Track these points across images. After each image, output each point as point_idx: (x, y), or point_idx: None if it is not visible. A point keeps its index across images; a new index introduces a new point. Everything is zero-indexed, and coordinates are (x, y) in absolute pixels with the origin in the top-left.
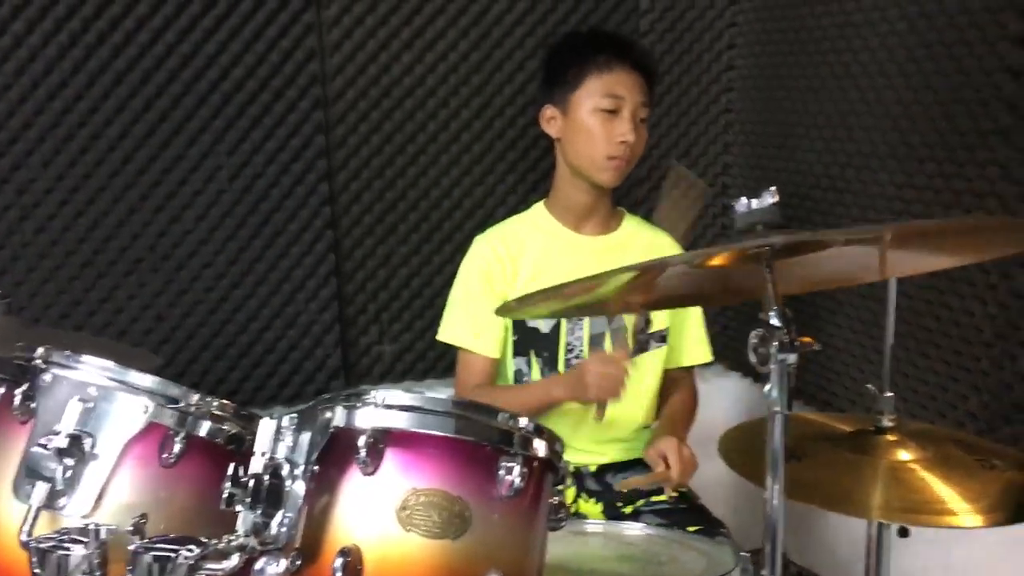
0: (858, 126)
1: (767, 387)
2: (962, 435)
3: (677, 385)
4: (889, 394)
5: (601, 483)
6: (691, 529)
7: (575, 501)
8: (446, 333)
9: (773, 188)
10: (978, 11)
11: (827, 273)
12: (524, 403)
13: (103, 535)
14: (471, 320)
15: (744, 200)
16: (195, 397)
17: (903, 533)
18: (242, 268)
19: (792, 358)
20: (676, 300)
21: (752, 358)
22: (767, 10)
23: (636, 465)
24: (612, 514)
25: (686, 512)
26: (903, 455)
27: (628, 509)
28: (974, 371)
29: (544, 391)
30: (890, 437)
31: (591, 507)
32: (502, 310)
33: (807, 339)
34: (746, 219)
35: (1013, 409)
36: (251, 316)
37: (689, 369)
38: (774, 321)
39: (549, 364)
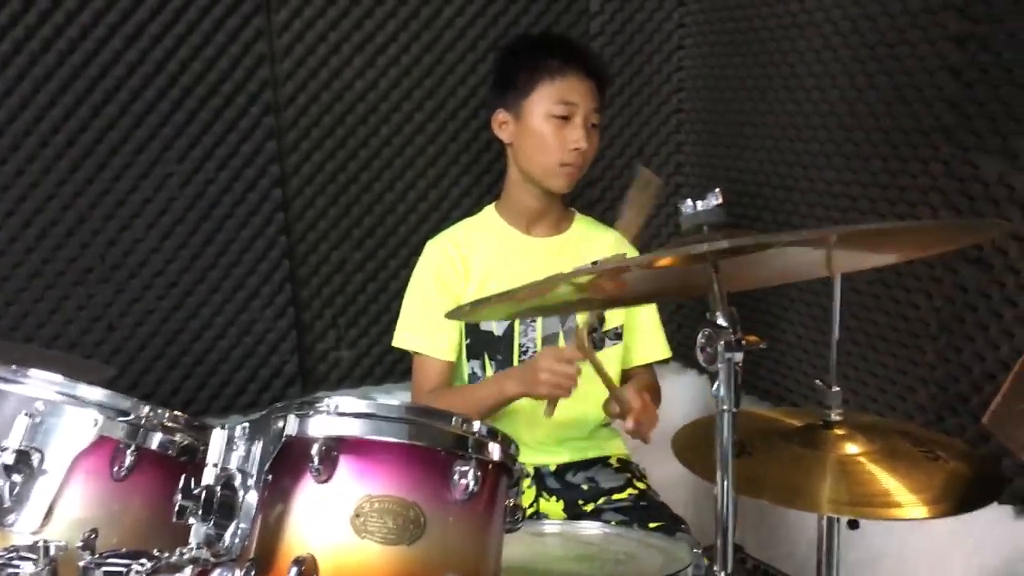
0: (805, 125)
1: (715, 386)
2: (909, 427)
3: (638, 380)
4: (836, 389)
5: (561, 481)
6: (651, 526)
7: (536, 501)
8: (401, 339)
9: (717, 190)
10: (919, 12)
11: (774, 271)
12: (478, 400)
13: (52, 552)
14: (425, 324)
15: (689, 202)
16: (146, 409)
17: (853, 525)
18: (195, 276)
19: (739, 357)
20: (629, 299)
21: (700, 358)
22: (714, 11)
23: (596, 463)
24: (573, 512)
25: (646, 509)
26: (851, 448)
27: (589, 507)
28: (921, 364)
29: (497, 387)
30: (838, 431)
31: (552, 506)
32: (452, 314)
33: (753, 338)
34: (692, 220)
35: (959, 400)
36: (205, 324)
37: (649, 366)
38: (720, 321)
39: (503, 367)
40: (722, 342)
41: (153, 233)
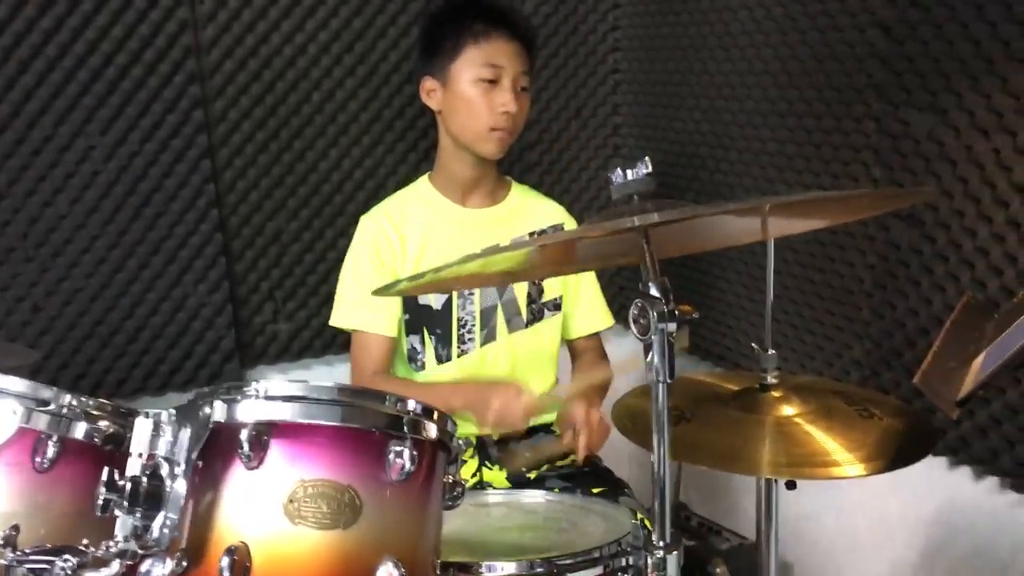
0: (739, 84)
1: (649, 356)
2: (843, 386)
3: (586, 355)
4: (772, 352)
5: (504, 451)
6: (595, 491)
7: (479, 470)
8: (339, 318)
9: (647, 158)
10: None
11: (708, 238)
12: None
13: None
14: (364, 300)
15: (619, 171)
16: (68, 398)
17: (790, 486)
18: (123, 252)
19: (672, 327)
20: (565, 268)
21: (633, 329)
22: None
23: (538, 431)
24: (517, 480)
25: (589, 475)
26: (787, 410)
27: (532, 475)
28: (856, 320)
29: (444, 399)
30: (775, 394)
31: (495, 475)
32: (380, 291)
33: (687, 307)
34: (621, 190)
35: (893, 355)
36: (136, 301)
37: (594, 335)
38: (653, 291)
39: (442, 341)
40: (655, 313)
41: (78, 208)
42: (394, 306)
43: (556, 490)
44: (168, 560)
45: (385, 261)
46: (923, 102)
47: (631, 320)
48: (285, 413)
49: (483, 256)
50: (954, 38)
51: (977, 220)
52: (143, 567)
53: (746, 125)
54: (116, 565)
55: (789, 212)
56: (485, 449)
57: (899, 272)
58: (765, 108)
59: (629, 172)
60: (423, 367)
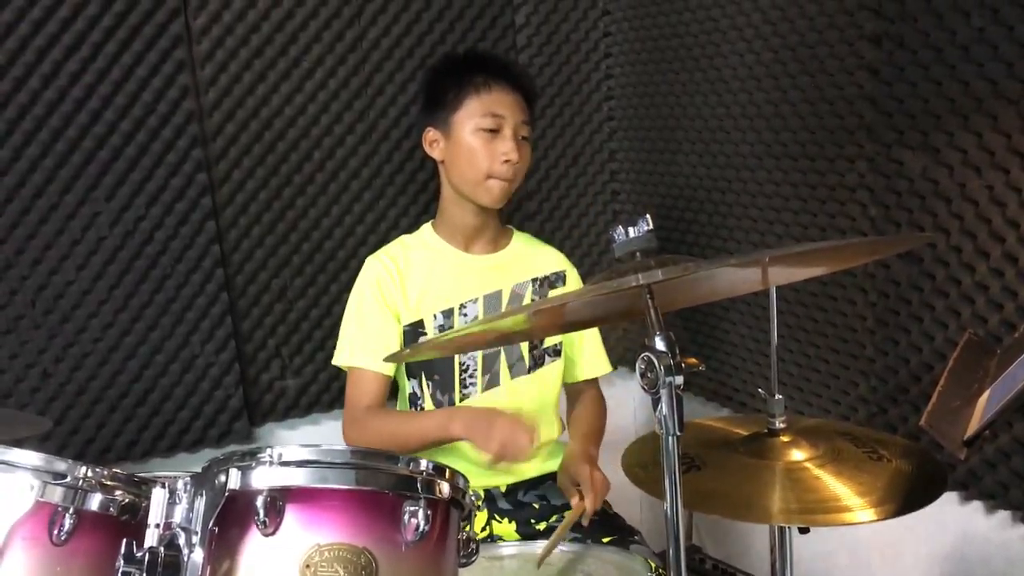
0: (733, 127)
1: (658, 410)
2: (850, 427)
3: (583, 397)
4: (779, 397)
5: (512, 502)
6: (605, 540)
7: (488, 524)
8: (340, 356)
9: (648, 215)
10: (835, 12)
11: (710, 290)
12: (421, 429)
13: None
14: (364, 337)
15: (620, 229)
16: (83, 469)
17: (803, 531)
18: (131, 315)
19: (679, 380)
20: (569, 326)
21: (641, 383)
22: (638, 19)
23: (545, 481)
24: (526, 532)
25: (599, 524)
26: (796, 455)
27: (541, 526)
28: (860, 358)
29: (441, 427)
30: (783, 438)
31: (504, 527)
32: (391, 358)
33: (693, 360)
34: (624, 248)
35: (899, 391)
36: (144, 364)
37: (592, 380)
38: (659, 346)
39: (441, 387)
40: (662, 367)
41: (84, 274)
42: (393, 344)
43: (567, 540)
44: None
45: (387, 298)
46: (915, 141)
47: (638, 374)
48: (299, 478)
49: (485, 322)
50: (942, 78)
51: (974, 256)
52: None
53: (742, 168)
54: None
55: (789, 262)
56: (494, 501)
57: (900, 309)
58: (760, 151)
59: (631, 230)
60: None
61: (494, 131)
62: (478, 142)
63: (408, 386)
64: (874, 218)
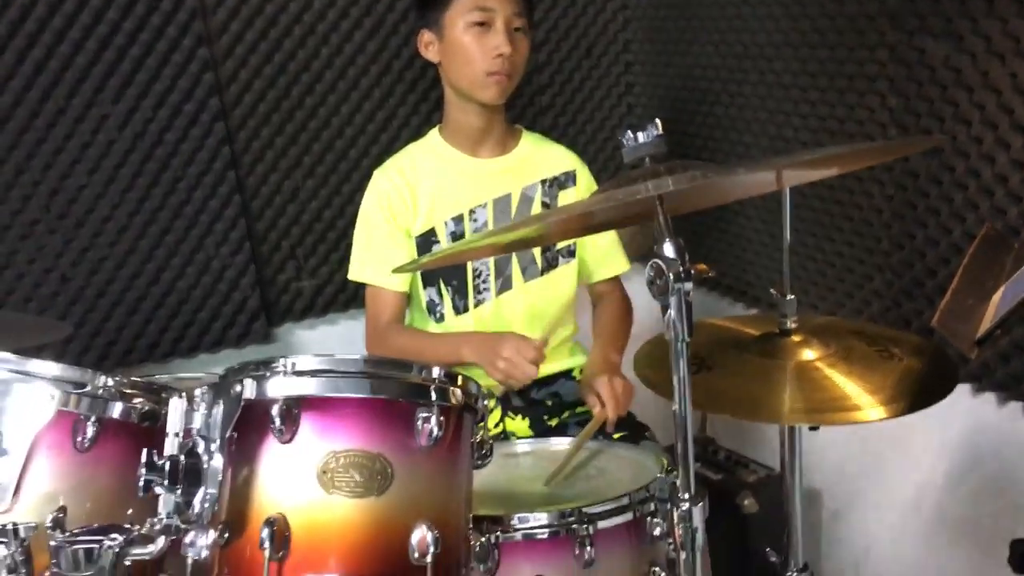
0: (751, 15)
1: (667, 316)
2: (862, 326)
3: (605, 299)
4: (791, 297)
5: (525, 399)
6: (616, 436)
7: (502, 420)
8: (355, 272)
9: (657, 120)
10: None
11: (722, 193)
12: (436, 353)
13: (22, 533)
14: (377, 255)
15: (630, 134)
16: (103, 379)
17: (813, 428)
18: (144, 218)
19: (688, 287)
20: (581, 231)
21: (650, 291)
22: None
23: (559, 378)
24: (539, 429)
25: None
26: (808, 354)
27: (554, 422)
28: (876, 252)
29: (454, 349)
30: (794, 338)
31: (518, 424)
32: (400, 270)
33: (702, 267)
34: (633, 153)
35: (914, 285)
36: (161, 266)
37: (614, 280)
38: (668, 252)
39: (459, 292)
40: (671, 274)
41: (96, 178)
42: (406, 259)
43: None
44: (211, 530)
45: (396, 215)
46: (937, 28)
47: (647, 282)
48: (313, 387)
49: (496, 233)
50: None
51: (995, 147)
52: (187, 539)
53: (759, 57)
54: (161, 541)
55: (802, 167)
56: (507, 398)
57: (918, 202)
58: (778, 39)
59: (640, 135)
60: (442, 319)
61: (484, 24)
62: (469, 38)
63: (424, 296)
64: (893, 109)
